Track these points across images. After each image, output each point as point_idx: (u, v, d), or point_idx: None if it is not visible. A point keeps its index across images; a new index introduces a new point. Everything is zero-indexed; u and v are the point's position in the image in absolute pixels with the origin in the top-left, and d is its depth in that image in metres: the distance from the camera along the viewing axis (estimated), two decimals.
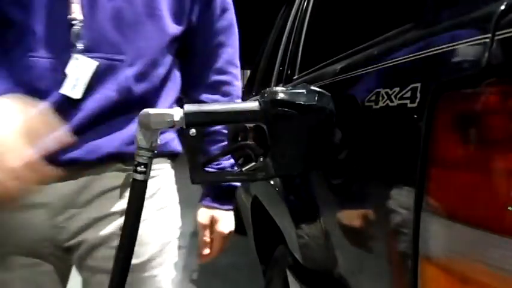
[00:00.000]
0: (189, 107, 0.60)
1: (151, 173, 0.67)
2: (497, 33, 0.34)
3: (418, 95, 0.44)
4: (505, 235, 0.33)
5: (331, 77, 0.77)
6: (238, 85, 0.87)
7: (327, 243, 0.75)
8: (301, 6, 1.43)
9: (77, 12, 0.65)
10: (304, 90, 0.60)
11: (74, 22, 0.65)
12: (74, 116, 0.66)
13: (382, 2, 0.82)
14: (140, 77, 0.70)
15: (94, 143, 0.67)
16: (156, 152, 0.62)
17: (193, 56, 0.82)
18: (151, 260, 0.74)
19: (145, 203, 0.64)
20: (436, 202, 0.41)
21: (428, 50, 0.44)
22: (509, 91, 0.33)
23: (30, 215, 0.68)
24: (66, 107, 0.65)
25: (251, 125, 0.66)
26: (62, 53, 0.65)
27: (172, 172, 0.81)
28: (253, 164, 0.64)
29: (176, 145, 0.80)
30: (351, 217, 0.66)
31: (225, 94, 0.84)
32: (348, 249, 0.68)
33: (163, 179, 0.78)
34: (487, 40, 0.35)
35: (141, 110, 0.63)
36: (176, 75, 0.79)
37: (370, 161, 0.58)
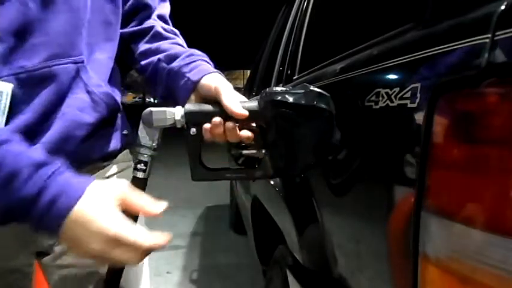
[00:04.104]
0: (189, 107, 0.61)
1: (123, 166, 0.73)
2: (497, 33, 0.34)
3: (418, 95, 0.44)
4: (505, 235, 0.33)
5: (331, 77, 0.77)
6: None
7: (327, 243, 0.75)
8: (301, 6, 1.43)
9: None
10: (303, 91, 0.60)
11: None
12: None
13: (382, 2, 0.82)
14: (97, 71, 0.67)
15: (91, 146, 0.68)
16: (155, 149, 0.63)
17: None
18: None
19: None
20: (436, 202, 0.41)
21: (428, 50, 0.44)
22: (509, 91, 0.33)
23: None
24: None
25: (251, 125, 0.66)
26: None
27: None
28: (253, 163, 0.65)
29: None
30: (351, 217, 0.66)
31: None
32: (348, 249, 0.68)
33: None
34: (487, 40, 0.35)
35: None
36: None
37: (370, 161, 0.58)
